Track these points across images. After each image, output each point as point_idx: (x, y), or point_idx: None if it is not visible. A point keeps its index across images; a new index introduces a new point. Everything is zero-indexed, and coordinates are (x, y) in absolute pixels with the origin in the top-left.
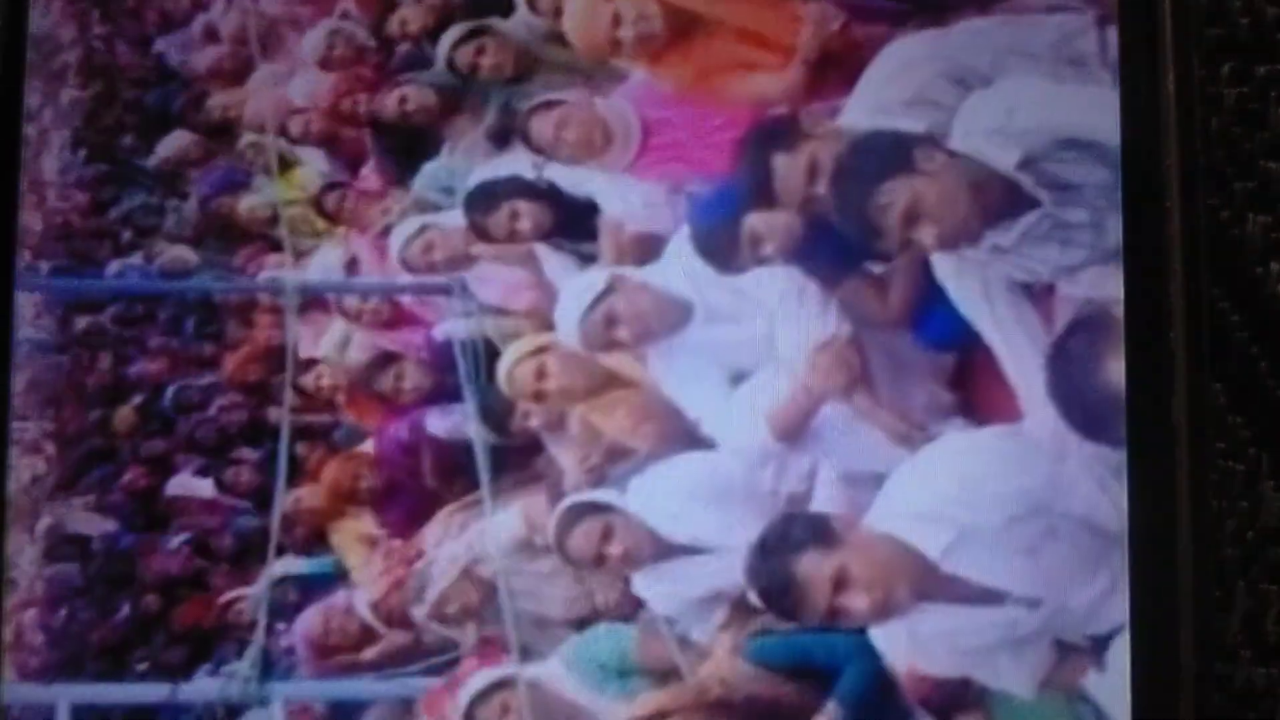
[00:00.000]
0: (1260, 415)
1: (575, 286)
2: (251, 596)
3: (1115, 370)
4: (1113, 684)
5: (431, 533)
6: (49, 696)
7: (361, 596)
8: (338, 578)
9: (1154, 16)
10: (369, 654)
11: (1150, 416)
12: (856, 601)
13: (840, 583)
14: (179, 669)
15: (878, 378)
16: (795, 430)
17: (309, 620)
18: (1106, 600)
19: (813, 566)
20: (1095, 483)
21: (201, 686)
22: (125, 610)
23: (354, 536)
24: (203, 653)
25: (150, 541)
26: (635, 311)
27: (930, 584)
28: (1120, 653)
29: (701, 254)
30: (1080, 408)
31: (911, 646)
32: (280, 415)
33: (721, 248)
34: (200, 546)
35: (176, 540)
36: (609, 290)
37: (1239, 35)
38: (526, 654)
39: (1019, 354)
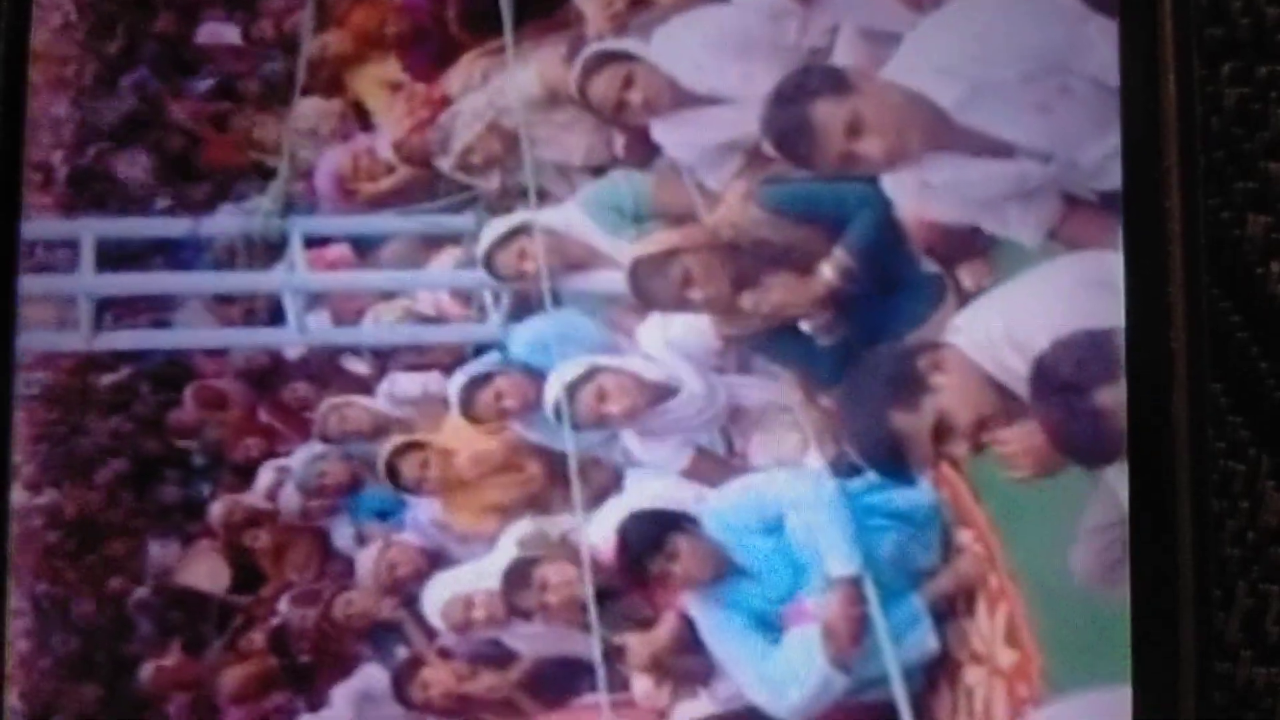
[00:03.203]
0: (1260, 416)
1: None
2: (275, 134)
3: None
4: None
5: (455, 78)
6: (73, 231)
7: (383, 137)
8: None
9: (1154, 17)
10: (388, 191)
11: (1150, 417)
12: (869, 147)
13: (853, 128)
14: (202, 205)
15: None
16: None
17: (331, 159)
18: (1116, 157)
19: (827, 112)
20: (1112, 46)
21: (223, 221)
22: (150, 149)
23: (378, 81)
24: (225, 191)
25: (177, 85)
26: None
27: (942, 134)
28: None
29: None
30: None
31: (921, 195)
32: None
33: None
34: (227, 90)
35: (203, 84)
36: None
37: (1239, 36)
38: (544, 200)
39: None
